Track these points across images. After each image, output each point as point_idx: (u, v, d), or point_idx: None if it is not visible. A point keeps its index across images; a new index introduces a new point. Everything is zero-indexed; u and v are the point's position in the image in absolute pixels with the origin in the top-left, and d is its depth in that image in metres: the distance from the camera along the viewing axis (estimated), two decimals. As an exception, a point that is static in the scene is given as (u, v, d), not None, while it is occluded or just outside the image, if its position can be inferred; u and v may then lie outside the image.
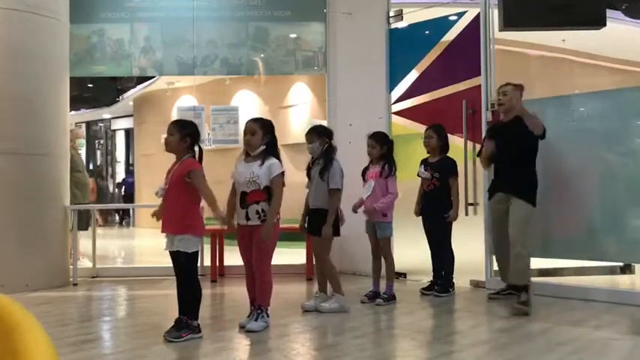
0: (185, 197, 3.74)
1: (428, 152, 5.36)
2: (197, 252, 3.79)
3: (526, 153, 4.69)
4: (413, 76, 6.53)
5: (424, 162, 5.32)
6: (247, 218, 3.91)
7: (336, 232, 4.62)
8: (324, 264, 4.61)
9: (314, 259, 4.82)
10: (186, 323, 3.70)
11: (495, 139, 4.88)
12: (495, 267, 5.45)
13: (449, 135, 5.43)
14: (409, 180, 5.45)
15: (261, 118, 4.11)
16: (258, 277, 3.91)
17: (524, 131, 4.64)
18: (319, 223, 4.54)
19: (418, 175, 5.32)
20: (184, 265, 3.73)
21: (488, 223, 5.12)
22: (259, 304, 3.90)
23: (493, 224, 4.97)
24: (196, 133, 3.88)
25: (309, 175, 4.74)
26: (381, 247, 4.93)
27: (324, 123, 7.00)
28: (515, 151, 4.69)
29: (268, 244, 3.94)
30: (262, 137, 3.95)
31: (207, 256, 6.20)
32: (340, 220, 4.65)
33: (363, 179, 4.99)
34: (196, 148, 3.87)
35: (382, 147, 4.91)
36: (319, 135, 4.65)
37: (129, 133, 17.15)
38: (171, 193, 3.76)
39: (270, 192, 3.91)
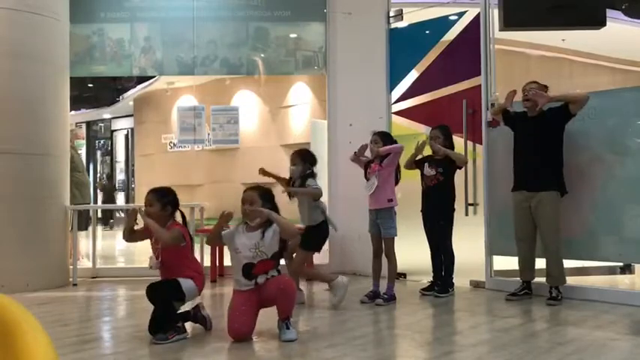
0: (181, 258, 3.81)
1: (433, 152, 5.32)
2: (185, 297, 3.79)
3: (553, 147, 4.81)
4: (413, 76, 6.53)
5: (428, 160, 5.30)
6: (256, 284, 3.72)
7: (315, 247, 4.74)
8: (302, 276, 4.62)
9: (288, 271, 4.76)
10: (172, 325, 3.71)
11: (518, 129, 4.97)
12: (495, 267, 5.47)
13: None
14: (409, 180, 5.45)
15: (259, 187, 3.88)
16: (288, 293, 3.71)
17: (550, 125, 4.77)
18: (305, 239, 4.68)
19: (422, 174, 5.30)
20: (171, 293, 3.73)
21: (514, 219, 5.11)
22: (288, 315, 3.74)
23: (516, 221, 5.01)
24: (176, 200, 3.91)
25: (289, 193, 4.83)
26: (386, 247, 4.93)
27: (324, 123, 7.02)
28: (541, 147, 4.79)
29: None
30: (262, 207, 3.74)
31: (207, 257, 6.20)
32: (333, 226, 4.72)
33: (365, 176, 4.99)
34: (178, 214, 3.94)
35: (385, 144, 4.92)
36: (303, 160, 4.77)
37: (129, 133, 17.14)
38: (165, 262, 3.80)
39: (278, 257, 3.81)
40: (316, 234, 4.77)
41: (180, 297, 3.76)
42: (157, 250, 3.81)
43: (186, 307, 3.96)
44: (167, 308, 3.74)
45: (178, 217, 4.01)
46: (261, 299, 3.73)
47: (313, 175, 4.81)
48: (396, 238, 4.94)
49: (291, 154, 4.88)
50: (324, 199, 6.71)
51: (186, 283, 3.75)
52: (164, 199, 3.86)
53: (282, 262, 4.62)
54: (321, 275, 4.79)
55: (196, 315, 3.97)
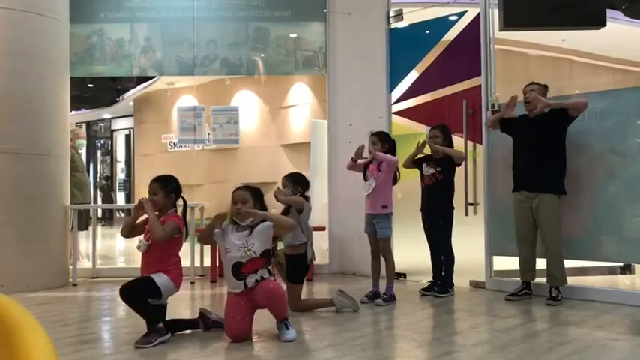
0: (167, 250, 3.79)
1: (432, 151, 5.32)
2: (161, 292, 3.70)
3: (554, 148, 4.82)
4: (413, 76, 6.53)
5: (427, 159, 5.30)
6: (245, 286, 3.71)
7: (301, 279, 4.62)
8: (299, 308, 4.53)
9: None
10: (154, 328, 3.65)
11: (519, 131, 4.97)
12: (495, 267, 5.47)
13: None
14: (409, 180, 5.45)
15: (249, 186, 3.89)
16: (277, 298, 3.69)
17: (552, 125, 4.79)
18: (291, 270, 4.58)
19: (422, 173, 5.30)
20: (143, 290, 3.68)
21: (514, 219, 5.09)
22: (285, 316, 3.75)
23: (517, 221, 5.01)
24: (179, 187, 3.95)
25: None
26: (382, 248, 4.93)
27: (324, 123, 7.03)
28: (542, 148, 4.81)
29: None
30: (253, 206, 3.74)
31: (207, 257, 6.20)
32: (312, 255, 4.66)
33: (364, 177, 4.99)
34: (180, 202, 3.96)
35: (384, 145, 4.93)
36: (294, 183, 4.66)
37: (129, 133, 17.13)
38: (153, 247, 3.77)
39: (268, 256, 3.76)
40: (299, 264, 4.59)
41: (155, 293, 3.68)
42: (149, 233, 3.81)
43: (173, 311, 3.95)
44: (142, 307, 3.68)
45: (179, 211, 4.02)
46: (252, 302, 3.73)
47: (305, 199, 4.66)
48: (394, 238, 4.94)
49: (282, 178, 4.74)
50: (324, 199, 6.74)
51: (160, 278, 3.70)
52: (168, 187, 3.89)
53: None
54: (319, 302, 4.69)
55: (207, 323, 3.95)
